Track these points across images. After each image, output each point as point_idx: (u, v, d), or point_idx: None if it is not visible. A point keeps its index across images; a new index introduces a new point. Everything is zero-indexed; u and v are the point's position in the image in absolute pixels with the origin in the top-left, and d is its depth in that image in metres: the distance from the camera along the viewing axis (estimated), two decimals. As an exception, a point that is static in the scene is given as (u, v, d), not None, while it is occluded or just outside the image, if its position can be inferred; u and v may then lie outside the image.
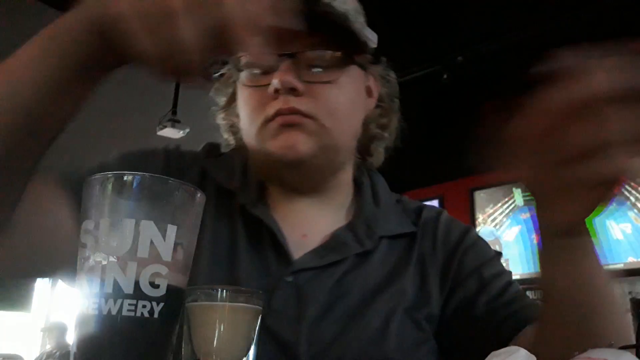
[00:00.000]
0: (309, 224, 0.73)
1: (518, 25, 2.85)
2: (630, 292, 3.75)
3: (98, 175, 0.39)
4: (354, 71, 0.71)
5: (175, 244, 0.39)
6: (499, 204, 4.94)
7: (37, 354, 4.52)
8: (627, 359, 0.38)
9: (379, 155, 0.82)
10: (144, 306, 0.37)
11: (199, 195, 0.42)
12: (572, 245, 0.48)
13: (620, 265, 3.85)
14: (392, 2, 2.66)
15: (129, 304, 0.37)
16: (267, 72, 0.67)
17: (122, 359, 0.37)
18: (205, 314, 0.44)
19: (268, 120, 0.66)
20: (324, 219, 0.74)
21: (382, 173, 0.83)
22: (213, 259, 0.67)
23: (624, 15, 2.72)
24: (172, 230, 0.39)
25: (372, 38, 0.72)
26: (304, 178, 0.71)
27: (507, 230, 4.86)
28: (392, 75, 0.84)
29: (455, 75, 3.22)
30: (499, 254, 0.77)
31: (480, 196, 4.96)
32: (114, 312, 0.37)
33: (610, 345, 0.49)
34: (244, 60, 0.69)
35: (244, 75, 0.70)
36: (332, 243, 0.70)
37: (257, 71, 0.68)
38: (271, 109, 0.65)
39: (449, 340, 0.70)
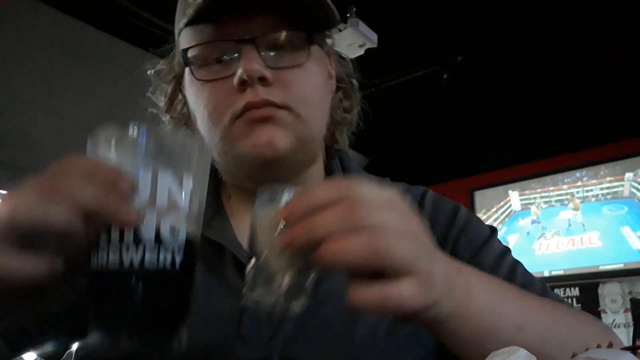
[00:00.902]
0: None
1: (518, 26, 2.85)
2: (630, 292, 3.74)
3: (113, 128, 0.38)
4: (316, 51, 0.64)
5: (191, 195, 0.39)
6: (493, 209, 4.54)
7: None
8: (627, 358, 0.39)
9: (344, 140, 0.75)
10: (165, 257, 0.36)
11: (206, 146, 0.42)
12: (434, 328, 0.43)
13: (620, 265, 3.83)
14: (392, 2, 2.66)
15: (151, 255, 0.36)
16: (223, 62, 0.59)
17: (144, 313, 0.36)
18: (270, 219, 0.40)
19: (236, 117, 0.58)
20: None
21: (382, 173, 0.81)
22: None
23: (622, 16, 2.72)
24: (188, 179, 0.39)
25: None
26: (279, 177, 0.62)
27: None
28: (345, 53, 0.75)
29: (455, 75, 3.22)
30: (494, 231, 0.70)
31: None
32: (136, 265, 0.36)
33: (610, 346, 0.49)
34: (193, 51, 0.60)
35: (196, 70, 0.61)
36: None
37: (211, 63, 0.60)
38: (239, 104, 0.58)
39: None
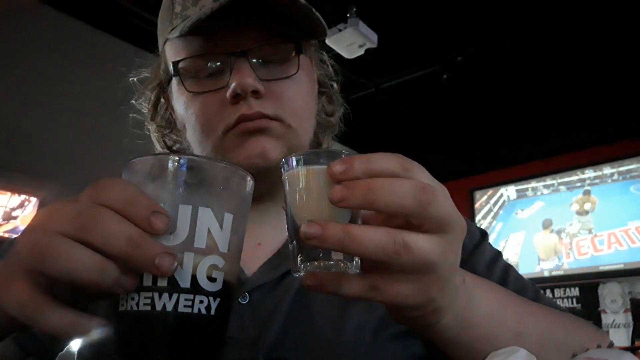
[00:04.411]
0: (264, 231, 0.66)
1: (517, 26, 2.85)
2: (630, 292, 3.75)
3: (149, 158, 0.36)
4: (304, 60, 0.64)
5: (230, 234, 0.36)
6: (483, 199, 4.11)
7: None
8: (627, 358, 0.39)
9: (328, 143, 0.76)
10: (201, 302, 0.34)
11: (249, 179, 0.39)
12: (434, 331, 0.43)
13: (621, 266, 3.84)
14: (392, 2, 2.66)
15: (186, 299, 0.34)
16: (214, 74, 0.60)
17: (176, 359, 0.34)
18: (312, 179, 0.37)
19: (229, 129, 0.59)
20: (279, 224, 0.67)
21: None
22: None
23: (622, 16, 2.72)
24: (228, 218, 0.36)
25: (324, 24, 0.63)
26: (268, 185, 0.63)
27: (502, 242, 4.02)
28: (325, 56, 0.75)
29: (455, 75, 3.22)
30: (484, 235, 0.69)
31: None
32: (169, 308, 0.33)
33: (610, 346, 0.49)
34: (184, 63, 0.61)
35: (186, 81, 0.62)
36: (285, 250, 0.63)
37: (202, 75, 0.61)
38: (232, 116, 0.59)
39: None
